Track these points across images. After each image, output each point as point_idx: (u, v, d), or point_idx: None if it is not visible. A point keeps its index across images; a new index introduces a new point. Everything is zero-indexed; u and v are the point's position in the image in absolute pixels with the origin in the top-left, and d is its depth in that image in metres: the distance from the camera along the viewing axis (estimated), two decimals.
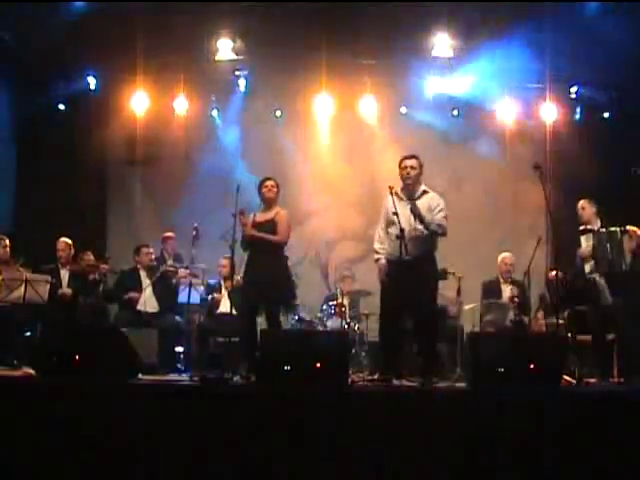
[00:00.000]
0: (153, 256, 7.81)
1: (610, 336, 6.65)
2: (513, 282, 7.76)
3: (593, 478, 4.59)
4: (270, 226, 6.20)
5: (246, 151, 9.79)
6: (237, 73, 9.41)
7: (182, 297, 7.45)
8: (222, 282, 7.86)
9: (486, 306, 7.68)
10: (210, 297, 7.80)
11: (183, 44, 8.58)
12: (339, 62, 8.92)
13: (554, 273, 6.21)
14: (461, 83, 9.33)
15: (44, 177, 9.26)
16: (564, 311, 6.67)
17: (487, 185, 9.87)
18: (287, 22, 8.23)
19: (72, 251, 7.74)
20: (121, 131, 9.57)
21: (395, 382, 5.56)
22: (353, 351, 7.42)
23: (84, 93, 9.34)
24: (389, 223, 5.81)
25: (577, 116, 9.57)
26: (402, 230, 5.56)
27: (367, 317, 7.84)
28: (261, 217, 6.24)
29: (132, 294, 7.49)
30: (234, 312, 6.63)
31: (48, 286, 7.01)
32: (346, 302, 8.21)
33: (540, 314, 8.14)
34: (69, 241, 7.73)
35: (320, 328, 7.85)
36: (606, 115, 9.44)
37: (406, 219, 5.66)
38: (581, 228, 6.67)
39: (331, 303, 8.18)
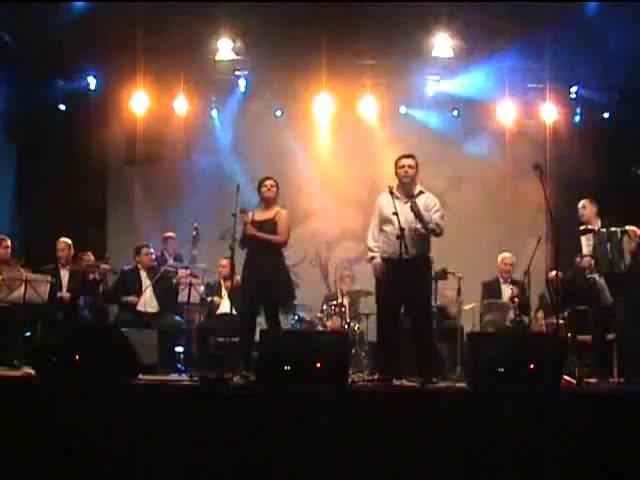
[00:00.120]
0: (153, 256, 7.81)
1: (610, 336, 6.66)
2: (513, 282, 7.77)
3: (593, 478, 4.59)
4: (270, 226, 6.20)
5: (246, 151, 9.79)
6: (237, 73, 9.41)
7: (182, 297, 7.45)
8: (222, 282, 7.86)
9: (486, 306, 7.68)
10: (210, 298, 7.79)
11: (183, 44, 8.58)
12: (339, 62, 8.92)
13: (554, 273, 6.21)
14: (461, 83, 9.33)
15: (44, 177, 9.25)
16: (564, 311, 6.67)
17: (487, 185, 9.87)
18: (287, 22, 8.22)
19: (72, 251, 7.74)
20: (121, 131, 9.57)
21: (395, 382, 5.56)
22: (353, 351, 7.41)
23: (84, 93, 9.34)
24: (384, 222, 5.81)
25: (577, 116, 9.57)
26: (402, 229, 5.56)
27: (367, 317, 7.84)
28: (260, 216, 6.23)
29: (131, 298, 7.49)
30: (234, 312, 6.62)
31: (48, 286, 7.01)
32: (346, 302, 8.21)
33: (540, 314, 8.14)
34: (69, 241, 7.73)
35: (320, 328, 7.84)
36: (606, 115, 9.44)
37: (404, 218, 5.66)
38: (581, 228, 6.68)
39: (331, 303, 8.18)
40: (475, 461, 4.57)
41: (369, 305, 7.90)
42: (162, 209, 9.71)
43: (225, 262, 7.45)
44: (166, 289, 7.63)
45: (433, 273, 7.38)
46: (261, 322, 6.33)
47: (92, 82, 9.32)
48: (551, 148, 9.39)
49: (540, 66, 8.98)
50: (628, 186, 7.14)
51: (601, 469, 4.57)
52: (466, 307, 7.67)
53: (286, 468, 4.57)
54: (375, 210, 5.97)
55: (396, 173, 5.92)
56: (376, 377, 5.75)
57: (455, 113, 9.73)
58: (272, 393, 4.84)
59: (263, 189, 6.31)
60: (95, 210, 9.67)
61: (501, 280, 7.88)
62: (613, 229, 6.45)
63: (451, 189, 9.96)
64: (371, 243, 5.89)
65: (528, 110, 9.63)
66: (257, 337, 6.33)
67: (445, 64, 9.00)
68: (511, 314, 7.42)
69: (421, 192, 5.88)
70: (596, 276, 6.48)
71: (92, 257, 8.05)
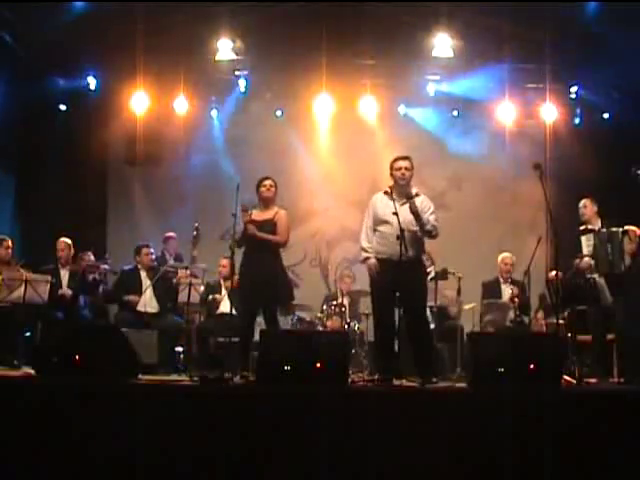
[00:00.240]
0: (153, 256, 7.81)
1: (610, 336, 6.66)
2: (513, 282, 7.77)
3: (593, 478, 4.59)
4: (270, 226, 6.20)
5: (246, 151, 9.79)
6: (237, 73, 9.41)
7: (182, 297, 7.45)
8: (222, 282, 7.86)
9: (486, 306, 7.68)
10: (211, 296, 7.79)
11: (183, 44, 8.58)
12: (339, 62, 8.92)
13: (554, 273, 6.21)
14: (461, 83, 9.33)
15: (44, 177, 9.25)
16: (564, 311, 6.67)
17: (487, 185, 9.88)
18: (287, 22, 8.22)
19: (72, 251, 7.74)
20: (121, 131, 9.57)
21: (395, 382, 5.56)
22: (353, 351, 7.41)
23: (84, 93, 9.34)
24: (379, 222, 5.79)
25: (577, 116, 9.57)
26: (402, 230, 5.56)
27: (367, 317, 7.83)
28: (260, 216, 6.22)
29: (131, 297, 7.49)
30: (234, 312, 6.62)
31: (48, 286, 7.01)
32: (346, 302, 8.21)
33: (540, 314, 8.16)
34: (69, 241, 7.73)
35: (320, 328, 7.84)
36: (606, 116, 9.45)
37: (402, 219, 5.65)
38: (582, 228, 6.68)
39: (331, 303, 8.18)
40: (475, 461, 4.58)
41: (369, 305, 7.87)
42: (162, 209, 9.71)
43: (225, 262, 7.45)
44: (166, 289, 7.63)
45: (434, 273, 7.44)
46: (261, 322, 6.33)
47: (92, 82, 9.32)
48: (551, 148, 9.39)
49: (540, 66, 8.98)
50: (628, 186, 7.14)
51: (601, 469, 4.57)
52: (466, 307, 7.67)
53: (286, 468, 4.57)
54: (369, 211, 5.94)
55: (392, 175, 5.90)
56: (376, 377, 5.74)
57: (455, 113, 9.74)
58: (272, 393, 4.84)
59: (262, 189, 6.30)
60: (95, 210, 9.67)
61: (501, 280, 7.88)
62: (614, 229, 6.45)
63: (451, 189, 9.97)
64: (365, 244, 5.86)
65: (528, 110, 9.64)
66: (257, 337, 6.35)
67: (445, 64, 9.00)
68: (511, 314, 7.42)
69: (417, 194, 5.87)
70: (596, 276, 6.48)
71: (92, 257, 8.05)
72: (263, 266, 6.10)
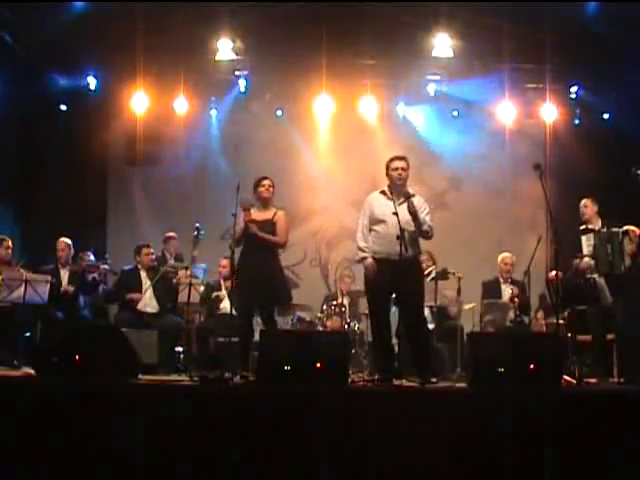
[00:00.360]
0: (153, 256, 7.80)
1: (610, 336, 6.66)
2: (513, 282, 7.77)
3: (593, 478, 4.59)
4: (270, 226, 6.20)
5: (246, 151, 9.79)
6: (237, 73, 9.41)
7: (182, 297, 7.45)
8: (222, 282, 7.86)
9: (486, 306, 7.68)
10: (215, 293, 7.78)
11: (183, 44, 8.58)
12: (339, 62, 8.93)
13: (554, 273, 6.21)
14: (461, 83, 9.33)
15: (44, 177, 9.26)
16: (564, 311, 6.67)
17: (487, 185, 9.88)
18: (287, 22, 8.22)
19: (72, 251, 7.74)
20: (121, 131, 9.59)
21: (395, 382, 5.56)
22: (353, 351, 7.41)
23: (84, 93, 9.34)
24: (376, 222, 5.78)
25: (577, 116, 9.58)
26: (402, 230, 5.56)
27: (367, 317, 7.81)
28: (259, 216, 6.21)
29: (133, 295, 7.49)
30: (234, 312, 6.62)
31: (48, 286, 7.01)
32: (346, 302, 8.21)
33: (540, 314, 8.16)
34: (69, 241, 7.73)
35: (320, 328, 7.84)
36: (606, 116, 9.45)
37: (400, 219, 5.64)
38: (582, 228, 6.68)
39: (331, 303, 8.18)
40: (475, 461, 4.58)
41: None
42: (162, 209, 9.71)
43: (225, 262, 7.45)
44: (166, 289, 7.63)
45: (434, 273, 7.44)
46: (260, 322, 6.33)
47: (92, 82, 9.31)
48: (551, 148, 9.40)
49: (540, 66, 8.99)
50: (628, 186, 7.14)
51: (601, 469, 4.57)
52: (466, 307, 7.67)
53: (286, 468, 4.57)
54: (365, 210, 5.92)
55: (388, 174, 5.89)
56: (376, 377, 5.74)
57: (455, 113, 9.74)
58: (272, 393, 4.84)
59: (261, 189, 6.29)
60: (95, 210, 9.67)
61: (501, 280, 7.88)
62: (614, 229, 6.45)
63: (451, 189, 9.98)
64: (362, 243, 5.84)
65: (528, 110, 9.64)
66: (257, 337, 6.35)
67: (445, 64, 9.00)
68: (511, 314, 7.42)
69: (412, 194, 5.87)
70: (596, 276, 6.48)
71: (92, 257, 8.05)
72: (262, 266, 6.10)
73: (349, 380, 5.40)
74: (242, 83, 9.49)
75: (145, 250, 7.72)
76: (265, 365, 5.16)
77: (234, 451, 4.61)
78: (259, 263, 6.10)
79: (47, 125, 9.33)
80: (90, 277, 7.69)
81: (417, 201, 5.82)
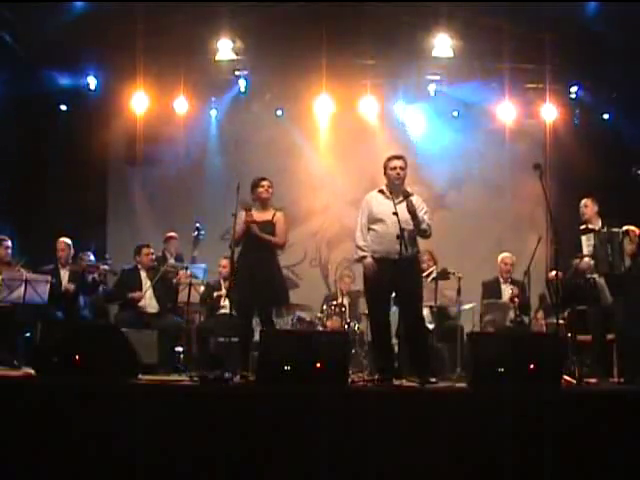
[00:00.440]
0: (153, 256, 7.80)
1: (610, 336, 6.66)
2: (513, 282, 7.77)
3: (593, 478, 4.59)
4: (269, 227, 6.20)
5: (246, 151, 9.80)
6: (237, 73, 9.41)
7: (182, 297, 7.45)
8: (222, 282, 7.85)
9: (486, 306, 7.68)
10: (216, 293, 7.77)
11: (183, 44, 8.59)
12: (339, 62, 8.93)
13: (554, 273, 6.21)
14: (461, 83, 9.33)
15: (44, 177, 9.26)
16: (564, 311, 6.67)
17: (487, 185, 9.89)
18: (287, 22, 8.22)
19: (72, 251, 7.74)
20: (121, 131, 9.59)
21: (395, 382, 5.56)
22: (353, 351, 7.41)
23: (84, 93, 9.34)
24: (375, 221, 5.79)
25: (577, 116, 9.58)
26: (402, 230, 5.56)
27: (367, 317, 7.81)
28: (258, 217, 6.21)
29: (134, 294, 7.49)
30: (233, 312, 6.63)
31: (48, 286, 7.01)
32: (346, 302, 8.21)
33: (540, 314, 8.16)
34: (69, 241, 7.73)
35: (320, 328, 7.84)
36: (606, 117, 9.44)
37: (396, 218, 5.64)
38: (582, 227, 6.67)
39: (331, 303, 8.18)
40: (475, 461, 4.58)
41: None
42: (162, 209, 9.72)
43: (225, 262, 7.44)
44: (166, 289, 7.63)
45: (435, 273, 7.44)
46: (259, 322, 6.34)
47: (92, 82, 9.31)
48: (551, 148, 9.40)
49: (540, 66, 8.99)
50: (628, 186, 7.15)
51: (601, 469, 4.57)
52: (466, 307, 7.66)
53: (286, 468, 4.57)
54: (363, 209, 5.92)
55: (386, 174, 5.90)
56: (376, 377, 5.74)
57: (455, 113, 9.74)
58: (272, 393, 4.84)
59: (260, 189, 6.29)
60: (95, 210, 9.67)
61: (501, 280, 7.88)
62: (614, 230, 6.45)
63: (451, 189, 9.97)
64: (361, 242, 5.84)
65: (528, 110, 9.64)
66: (257, 337, 6.35)
67: (445, 64, 9.00)
68: (511, 314, 7.42)
69: (411, 193, 5.87)
70: (596, 276, 6.48)
71: (92, 257, 8.05)
72: (261, 266, 6.11)
73: (349, 380, 5.40)
74: (242, 83, 9.49)
75: (145, 250, 7.72)
76: (265, 365, 5.16)
77: (234, 451, 4.61)
78: (259, 263, 6.10)
79: (47, 125, 9.33)
80: (90, 277, 7.69)
81: (415, 200, 5.82)
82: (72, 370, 5.11)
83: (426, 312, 7.31)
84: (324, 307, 8.17)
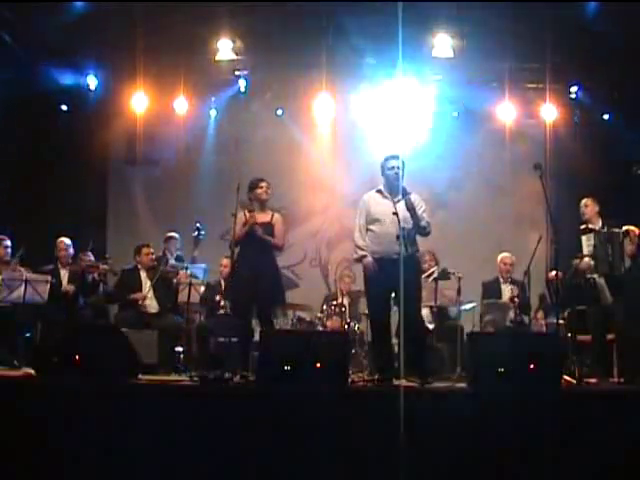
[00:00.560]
0: (153, 256, 7.80)
1: (610, 336, 6.66)
2: (513, 282, 7.77)
3: (593, 478, 4.59)
4: (269, 229, 6.22)
5: (246, 151, 9.80)
6: (237, 73, 9.41)
7: (182, 297, 7.44)
8: (222, 282, 7.85)
9: (486, 306, 7.68)
10: (218, 298, 7.77)
11: (183, 44, 8.58)
12: (339, 62, 8.92)
13: (554, 273, 6.21)
14: (461, 83, 9.33)
15: (44, 177, 9.25)
16: (564, 311, 6.67)
17: (487, 185, 9.88)
18: (287, 22, 8.22)
19: (72, 251, 7.74)
20: (121, 131, 9.58)
21: (395, 382, 5.56)
22: (353, 351, 7.41)
23: (84, 93, 9.33)
24: (372, 221, 5.79)
25: (577, 116, 9.58)
26: (403, 229, 5.56)
27: (367, 317, 7.81)
28: (257, 218, 6.23)
29: (135, 295, 7.49)
30: (230, 312, 6.64)
31: (48, 286, 7.01)
32: (346, 302, 8.21)
33: (540, 314, 8.16)
34: (69, 241, 7.73)
35: (320, 328, 7.84)
36: (606, 117, 9.44)
37: (396, 217, 5.63)
38: (582, 227, 6.67)
39: (331, 303, 8.18)
40: (475, 461, 4.58)
41: None
42: (162, 209, 9.71)
43: (226, 261, 7.44)
44: (166, 289, 7.63)
45: (436, 274, 7.45)
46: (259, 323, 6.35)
47: (92, 82, 9.30)
48: (551, 148, 9.39)
49: (540, 66, 8.98)
50: (628, 186, 7.15)
51: (601, 469, 4.57)
52: (466, 307, 7.66)
53: (286, 468, 4.57)
54: (361, 210, 5.93)
55: (384, 174, 5.90)
56: (376, 377, 5.74)
57: (455, 114, 9.73)
58: (272, 393, 4.84)
59: (259, 190, 6.29)
60: (95, 210, 9.67)
61: (501, 280, 7.88)
62: (615, 230, 6.44)
63: (451, 189, 9.97)
64: (360, 242, 5.84)
65: (528, 110, 9.64)
66: (257, 337, 6.35)
67: (445, 64, 8.99)
68: (511, 314, 7.42)
69: (409, 192, 5.87)
70: (596, 276, 6.47)
71: (92, 257, 8.04)
72: (262, 267, 6.12)
73: (349, 380, 5.40)
74: (242, 83, 9.48)
75: (145, 250, 7.72)
76: (265, 365, 5.17)
77: (234, 451, 4.61)
78: (259, 264, 6.11)
79: (47, 125, 9.32)
80: (90, 277, 7.69)
81: (414, 198, 5.82)
82: (72, 370, 5.11)
83: (426, 312, 7.31)
84: (324, 307, 8.17)
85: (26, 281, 6.84)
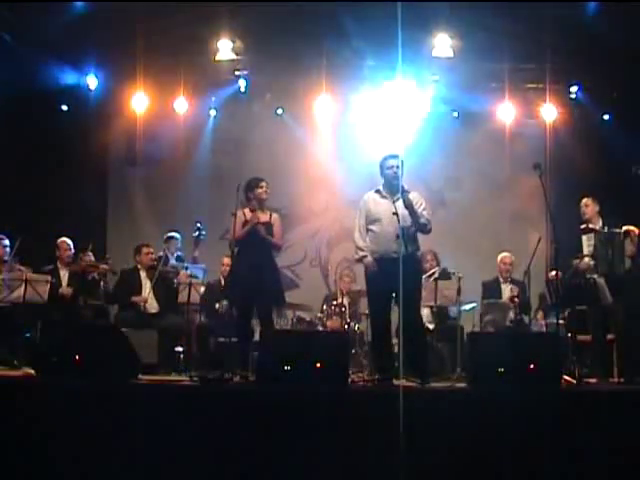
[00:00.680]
0: (153, 256, 7.80)
1: (610, 336, 6.66)
2: (513, 282, 7.77)
3: (593, 478, 4.59)
4: (269, 228, 6.23)
5: (246, 151, 9.80)
6: (237, 73, 9.41)
7: (182, 297, 7.45)
8: (223, 281, 7.85)
9: (486, 306, 7.68)
10: (217, 305, 7.77)
11: (183, 44, 8.58)
12: (339, 62, 8.93)
13: (554, 273, 6.21)
14: (461, 83, 9.33)
15: (44, 177, 9.25)
16: (564, 311, 6.67)
17: (487, 185, 9.88)
18: (287, 22, 8.22)
19: (72, 251, 7.74)
20: (121, 131, 9.59)
21: (395, 382, 5.56)
22: (353, 351, 7.42)
23: (84, 93, 9.34)
24: (372, 221, 5.80)
25: (577, 116, 9.58)
26: (403, 229, 5.56)
27: (367, 317, 7.81)
28: (254, 217, 6.24)
29: (137, 298, 7.49)
30: (228, 311, 6.65)
31: (48, 286, 7.01)
32: (346, 302, 8.21)
33: (540, 314, 8.16)
34: (68, 241, 7.73)
35: (320, 328, 7.84)
36: (606, 117, 9.44)
37: (396, 217, 5.64)
38: (583, 227, 6.67)
39: (331, 303, 8.18)
40: (475, 461, 4.58)
41: None
42: (162, 209, 9.72)
43: (227, 260, 7.44)
44: (166, 289, 7.63)
45: (438, 274, 7.45)
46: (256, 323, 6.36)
47: (92, 82, 9.31)
48: (551, 148, 9.40)
49: (540, 66, 8.98)
50: (628, 186, 7.15)
51: (601, 469, 4.57)
52: (466, 307, 7.66)
53: (286, 468, 4.57)
54: (361, 210, 5.94)
55: (383, 173, 5.90)
56: (376, 377, 5.75)
57: (455, 114, 9.74)
58: (272, 393, 4.84)
59: (259, 190, 6.30)
60: (95, 210, 9.67)
61: (501, 280, 7.88)
62: (615, 230, 6.44)
63: (451, 189, 9.97)
64: (360, 242, 5.85)
65: (528, 110, 9.64)
66: (257, 337, 6.35)
67: (445, 64, 8.99)
68: (511, 314, 7.43)
69: (408, 190, 5.87)
70: (596, 276, 6.47)
71: (92, 257, 8.04)
72: (262, 267, 6.13)
73: (349, 380, 5.40)
74: (242, 83, 9.48)
75: (145, 249, 7.73)
76: (265, 365, 5.17)
77: (234, 451, 4.61)
78: (259, 263, 6.12)
79: (47, 125, 9.32)
80: (90, 277, 7.69)
81: (413, 196, 5.83)
82: (72, 370, 5.11)
83: (426, 312, 7.32)
84: (324, 307, 8.18)
85: (26, 281, 6.84)
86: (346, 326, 7.86)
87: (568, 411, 4.72)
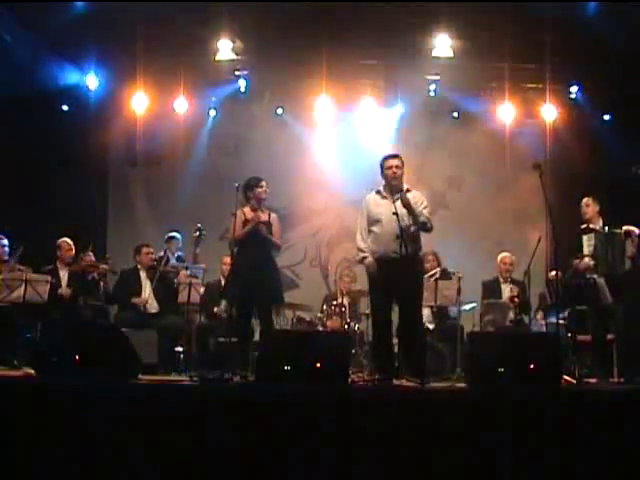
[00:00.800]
0: (153, 256, 7.81)
1: (610, 336, 6.66)
2: (513, 282, 7.77)
3: (593, 478, 4.59)
4: (269, 228, 6.24)
5: (246, 151, 9.80)
6: (237, 73, 9.42)
7: (182, 297, 7.45)
8: (224, 281, 7.84)
9: (486, 306, 7.68)
10: (216, 309, 7.76)
11: (183, 44, 8.58)
12: (339, 62, 8.93)
13: (554, 273, 6.21)
14: (461, 83, 9.33)
15: (44, 177, 9.25)
16: (564, 311, 6.67)
17: (487, 185, 9.89)
18: (287, 22, 8.22)
19: (72, 251, 7.73)
20: (121, 131, 9.59)
21: (395, 382, 5.56)
22: (353, 351, 7.42)
23: (84, 93, 9.34)
24: (373, 222, 5.81)
25: (577, 116, 9.58)
26: (402, 229, 5.56)
27: (367, 317, 7.83)
28: (257, 217, 6.25)
29: (137, 299, 7.48)
30: (227, 311, 6.66)
31: (48, 286, 7.01)
32: (346, 302, 8.21)
33: (540, 314, 8.16)
34: (69, 241, 7.73)
35: (320, 328, 7.84)
36: (606, 117, 9.44)
37: (396, 217, 5.64)
38: (583, 227, 6.67)
39: (331, 303, 8.18)
40: (475, 461, 4.57)
41: (369, 305, 7.90)
42: (162, 209, 9.71)
43: (228, 259, 7.43)
44: (166, 289, 7.63)
45: (438, 274, 7.45)
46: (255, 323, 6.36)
47: (92, 82, 9.31)
48: (551, 148, 9.40)
49: (540, 66, 8.99)
50: (628, 186, 7.14)
51: (601, 469, 4.57)
52: (466, 307, 7.67)
53: (286, 468, 4.57)
54: (362, 211, 5.95)
55: (383, 174, 5.91)
56: (376, 377, 5.75)
57: (455, 114, 9.73)
58: (272, 393, 4.84)
59: (259, 190, 6.31)
60: (95, 210, 9.67)
61: (501, 280, 7.88)
62: (616, 230, 6.44)
63: (451, 189, 9.98)
64: (362, 244, 5.86)
65: (528, 110, 9.64)
66: (257, 337, 6.35)
67: (445, 64, 9.00)
68: (511, 314, 7.43)
69: (408, 190, 5.87)
70: (596, 276, 6.47)
71: (92, 257, 8.04)
72: (262, 266, 6.14)
73: (349, 380, 5.40)
74: (242, 83, 9.50)
75: (145, 249, 7.73)
76: (265, 365, 5.17)
77: (234, 451, 4.61)
78: (259, 263, 6.12)
79: (47, 125, 9.32)
80: (90, 277, 7.69)
81: (413, 195, 5.83)
82: (72, 370, 5.11)
83: (426, 312, 7.32)
84: (324, 307, 8.18)
85: (26, 281, 6.84)
86: (346, 326, 7.86)
87: (568, 411, 4.72)
